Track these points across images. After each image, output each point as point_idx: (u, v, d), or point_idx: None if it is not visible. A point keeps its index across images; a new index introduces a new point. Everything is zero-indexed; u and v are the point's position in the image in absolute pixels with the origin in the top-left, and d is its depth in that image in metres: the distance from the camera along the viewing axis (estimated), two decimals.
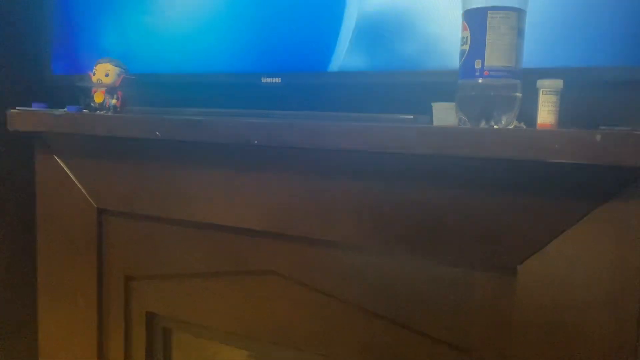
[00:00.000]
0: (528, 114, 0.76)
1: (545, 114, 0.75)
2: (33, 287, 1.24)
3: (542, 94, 0.75)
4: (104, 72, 1.03)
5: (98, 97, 1.04)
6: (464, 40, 0.73)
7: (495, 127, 0.72)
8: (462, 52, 0.74)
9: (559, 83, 0.75)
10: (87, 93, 1.06)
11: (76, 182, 1.15)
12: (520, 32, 0.72)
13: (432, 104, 0.86)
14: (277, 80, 1.01)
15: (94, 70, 1.04)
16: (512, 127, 0.74)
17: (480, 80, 0.72)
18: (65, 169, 1.15)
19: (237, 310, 1.01)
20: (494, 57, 0.71)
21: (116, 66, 1.04)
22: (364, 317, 0.89)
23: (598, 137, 0.63)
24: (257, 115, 0.94)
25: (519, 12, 0.72)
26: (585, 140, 0.63)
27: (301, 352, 0.97)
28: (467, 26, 0.73)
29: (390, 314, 0.86)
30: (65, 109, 1.09)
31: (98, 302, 1.16)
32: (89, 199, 1.14)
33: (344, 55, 0.95)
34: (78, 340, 1.19)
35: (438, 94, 0.85)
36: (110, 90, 1.04)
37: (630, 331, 0.68)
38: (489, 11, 0.71)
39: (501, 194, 0.75)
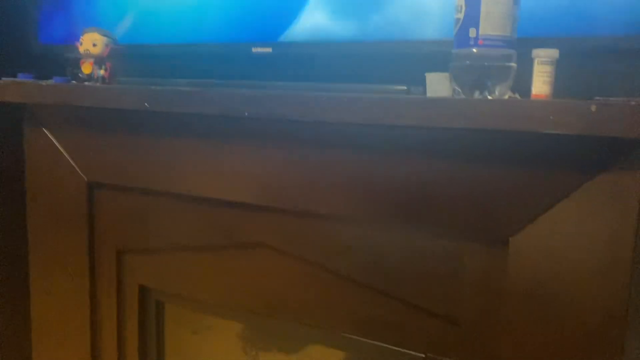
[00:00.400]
0: (523, 85, 0.75)
1: (540, 84, 0.73)
2: (25, 261, 1.24)
3: (537, 63, 0.73)
4: (91, 42, 1.01)
5: (86, 68, 1.02)
6: (459, 8, 0.72)
7: (489, 97, 0.71)
8: (457, 21, 0.72)
9: (554, 53, 0.73)
10: (74, 64, 1.04)
11: (66, 155, 1.13)
12: (516, 0, 0.70)
13: (426, 74, 0.84)
14: (268, 50, 0.99)
15: (80, 40, 1.01)
16: (506, 97, 0.73)
17: (474, 50, 0.71)
18: (55, 141, 1.14)
19: (229, 283, 1.01)
20: (489, 26, 0.70)
21: (104, 36, 1.02)
22: (355, 288, 0.89)
23: (593, 107, 0.62)
24: (248, 87, 0.93)
25: None
26: (580, 111, 0.63)
27: (293, 324, 0.97)
28: None
29: (381, 286, 0.86)
30: (52, 80, 1.07)
31: (90, 276, 1.15)
32: (79, 172, 1.12)
33: (337, 25, 0.93)
34: (71, 315, 1.19)
35: (432, 64, 0.83)
36: (99, 61, 1.02)
37: (621, 303, 0.69)
38: None
39: (494, 165, 0.74)
